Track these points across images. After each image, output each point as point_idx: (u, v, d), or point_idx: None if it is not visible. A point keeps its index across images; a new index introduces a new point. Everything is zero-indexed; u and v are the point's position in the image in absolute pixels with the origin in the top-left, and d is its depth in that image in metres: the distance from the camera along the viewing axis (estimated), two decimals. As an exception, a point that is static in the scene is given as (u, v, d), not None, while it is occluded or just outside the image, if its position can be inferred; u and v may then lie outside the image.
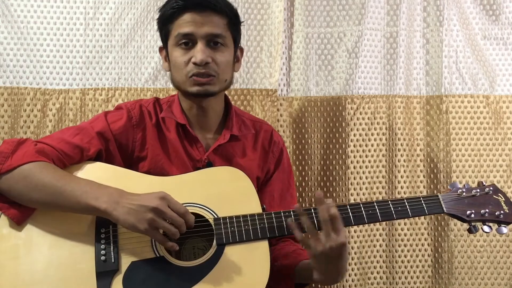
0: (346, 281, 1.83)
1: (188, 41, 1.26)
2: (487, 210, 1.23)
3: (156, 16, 1.35)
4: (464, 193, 1.26)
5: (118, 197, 1.10)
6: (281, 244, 1.35)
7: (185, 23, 1.26)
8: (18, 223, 1.13)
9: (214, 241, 1.14)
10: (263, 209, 1.20)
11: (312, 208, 1.18)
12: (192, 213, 1.16)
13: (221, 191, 1.21)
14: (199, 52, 1.24)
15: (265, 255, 1.14)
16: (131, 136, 1.30)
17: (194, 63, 1.25)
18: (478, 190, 1.26)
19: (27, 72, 1.77)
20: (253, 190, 1.22)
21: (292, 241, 1.37)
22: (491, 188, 1.27)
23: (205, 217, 1.17)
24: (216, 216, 1.17)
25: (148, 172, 1.28)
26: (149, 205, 1.07)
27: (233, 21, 1.32)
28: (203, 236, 1.17)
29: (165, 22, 1.30)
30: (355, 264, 1.84)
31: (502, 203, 1.25)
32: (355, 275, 1.84)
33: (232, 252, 1.13)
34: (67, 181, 1.13)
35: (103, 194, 1.10)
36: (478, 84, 1.92)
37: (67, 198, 1.11)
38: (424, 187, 1.89)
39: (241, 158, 1.36)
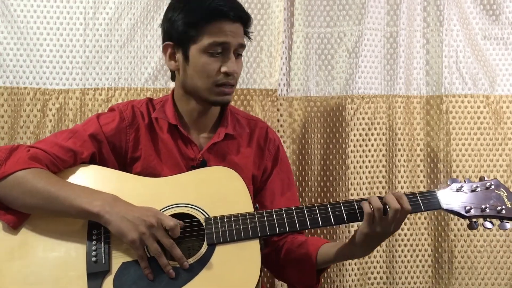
0: (346, 281, 1.83)
1: (221, 50, 1.26)
2: (487, 205, 1.18)
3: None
4: (463, 188, 1.22)
5: (112, 202, 1.12)
6: (289, 237, 1.36)
7: (221, 32, 1.25)
8: (14, 227, 1.13)
9: (205, 240, 1.14)
10: (256, 208, 1.20)
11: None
12: (184, 213, 1.17)
13: (213, 191, 1.21)
14: (233, 63, 1.27)
15: (256, 254, 1.13)
16: (124, 137, 1.30)
17: (226, 73, 1.26)
18: (478, 185, 1.22)
19: (27, 72, 1.77)
20: (246, 189, 1.22)
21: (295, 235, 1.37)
22: (492, 183, 1.22)
23: (196, 218, 1.17)
24: (207, 216, 1.17)
25: (140, 172, 1.28)
26: (146, 220, 1.09)
27: (247, 31, 1.35)
28: (196, 236, 1.17)
29: (193, 25, 1.25)
30: (355, 264, 1.84)
31: (505, 198, 1.20)
32: (355, 275, 1.84)
33: (223, 252, 1.13)
34: (60, 186, 1.14)
35: (96, 199, 1.12)
36: (478, 84, 1.92)
37: (61, 203, 1.11)
38: (424, 187, 1.88)
39: (235, 156, 1.36)
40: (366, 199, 1.18)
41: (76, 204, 1.10)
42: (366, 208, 1.14)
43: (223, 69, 1.26)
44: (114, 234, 1.11)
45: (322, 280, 1.78)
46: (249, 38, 1.37)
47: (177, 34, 1.29)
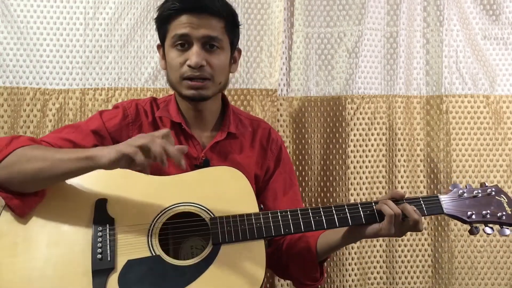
0: (346, 281, 1.83)
1: (184, 43, 1.27)
2: (488, 211, 1.21)
3: (155, 15, 1.35)
4: (465, 194, 1.24)
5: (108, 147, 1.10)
6: (288, 236, 1.35)
7: (181, 25, 1.26)
8: (20, 214, 1.13)
9: (210, 240, 1.14)
10: (260, 208, 1.20)
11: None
12: (189, 212, 1.17)
13: (219, 190, 1.22)
14: (194, 55, 1.25)
15: (261, 255, 1.14)
16: (126, 134, 1.30)
17: (189, 66, 1.25)
18: (479, 191, 1.24)
19: (27, 72, 1.77)
20: (251, 189, 1.22)
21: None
22: (493, 189, 1.24)
23: (202, 217, 1.17)
24: (212, 216, 1.17)
25: None
26: (138, 140, 1.04)
27: (231, 24, 1.32)
28: (200, 235, 1.17)
29: (162, 22, 1.31)
30: (355, 264, 1.84)
31: (505, 204, 1.23)
32: (355, 275, 1.84)
33: (228, 252, 1.13)
34: (57, 151, 1.14)
35: (94, 149, 1.10)
36: (478, 84, 1.92)
37: (59, 159, 1.10)
38: (424, 187, 1.89)
39: (238, 155, 1.36)
40: (375, 202, 1.19)
41: (73, 156, 1.09)
42: (388, 211, 1.15)
43: (187, 62, 1.26)
44: (109, 166, 1.06)
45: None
46: (232, 30, 1.32)
47: (159, 34, 1.34)
